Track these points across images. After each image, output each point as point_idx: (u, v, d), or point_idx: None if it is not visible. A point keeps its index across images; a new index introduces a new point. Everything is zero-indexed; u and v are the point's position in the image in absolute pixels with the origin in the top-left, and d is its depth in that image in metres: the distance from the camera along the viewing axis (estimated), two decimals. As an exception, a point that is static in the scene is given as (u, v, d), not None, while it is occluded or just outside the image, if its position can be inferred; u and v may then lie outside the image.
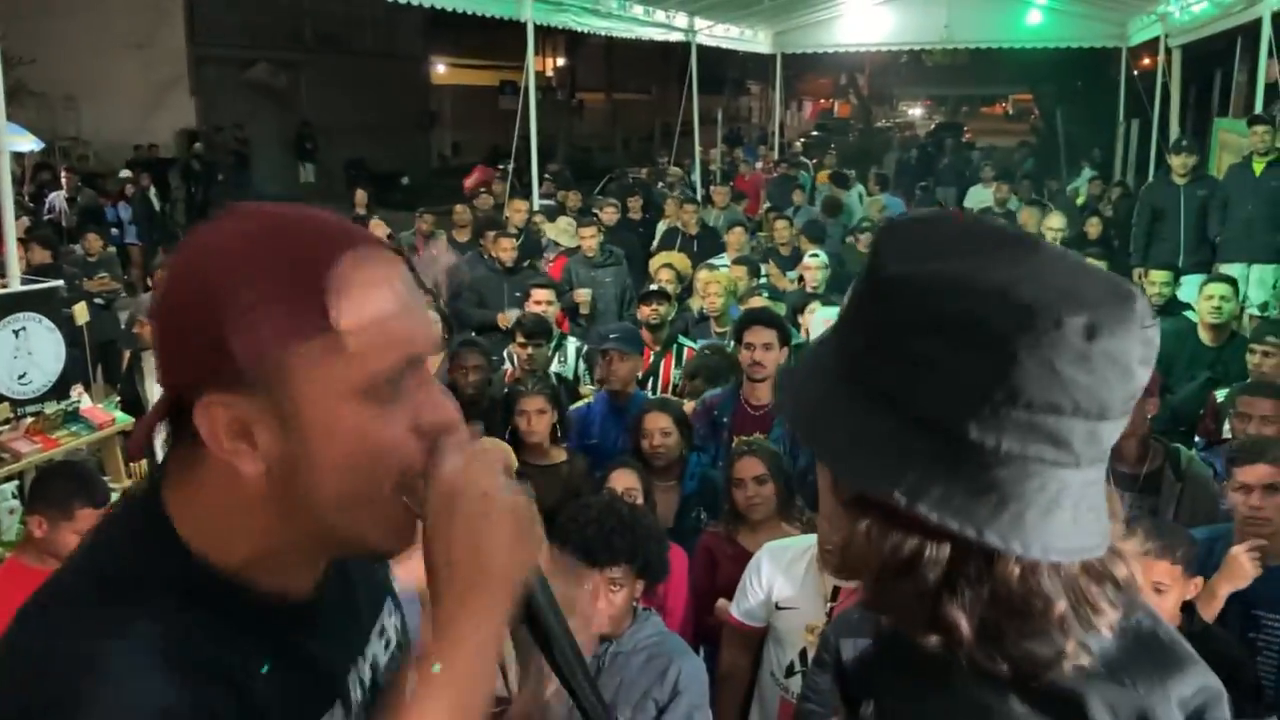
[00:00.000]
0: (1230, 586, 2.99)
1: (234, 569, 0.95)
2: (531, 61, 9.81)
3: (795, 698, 2.98)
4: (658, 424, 4.13)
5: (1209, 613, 2.92)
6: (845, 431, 0.81)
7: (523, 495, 0.98)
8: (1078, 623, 0.80)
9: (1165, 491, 3.66)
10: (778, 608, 3.11)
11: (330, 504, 0.93)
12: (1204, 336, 5.69)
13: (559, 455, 4.34)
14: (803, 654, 3.04)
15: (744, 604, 3.19)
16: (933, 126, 35.36)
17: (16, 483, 4.69)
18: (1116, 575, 0.83)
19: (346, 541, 0.98)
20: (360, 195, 12.25)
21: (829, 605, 2.99)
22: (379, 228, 9.59)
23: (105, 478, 3.98)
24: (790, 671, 3.07)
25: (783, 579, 3.10)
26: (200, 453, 0.92)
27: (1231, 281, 6.01)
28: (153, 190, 16.00)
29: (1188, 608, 2.78)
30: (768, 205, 12.91)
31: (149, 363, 6.21)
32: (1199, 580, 2.80)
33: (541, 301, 6.25)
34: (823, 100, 45.03)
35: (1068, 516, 0.76)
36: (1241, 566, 2.99)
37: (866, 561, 0.83)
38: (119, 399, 6.39)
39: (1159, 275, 6.48)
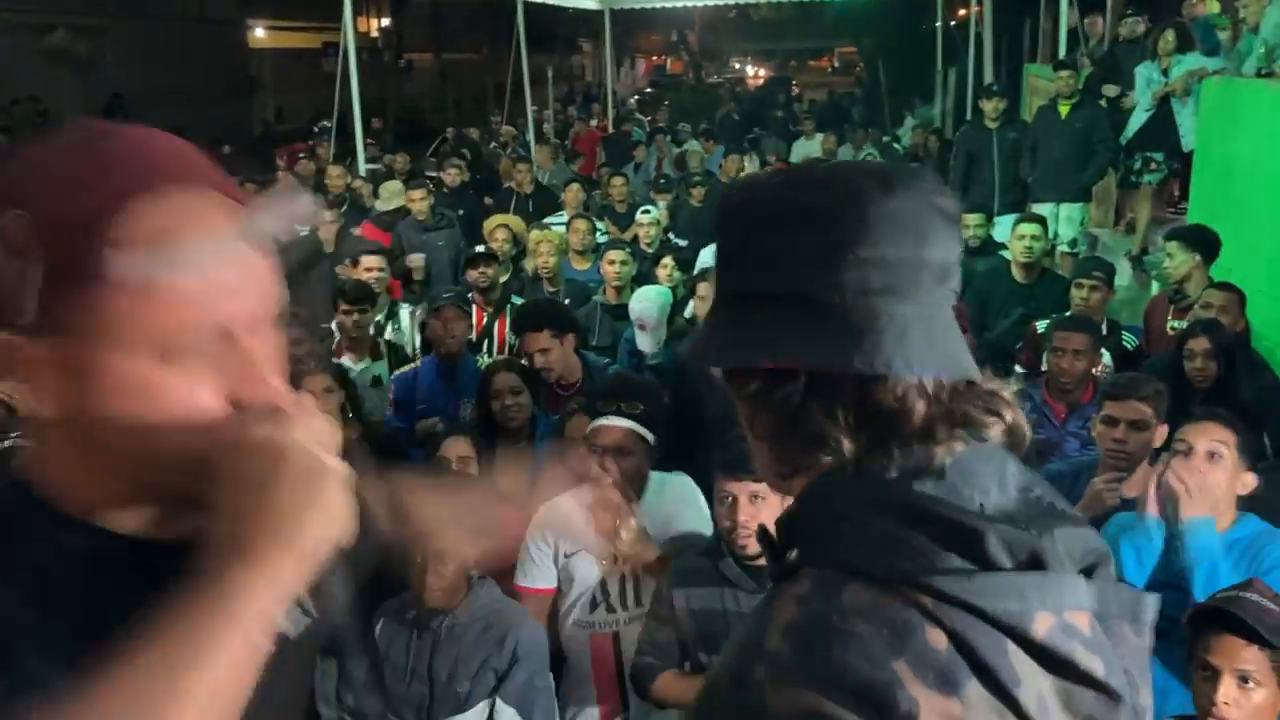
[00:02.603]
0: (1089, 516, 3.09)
1: (81, 510, 0.89)
2: (350, 21, 9.47)
3: (602, 627, 3.07)
4: (508, 383, 4.03)
5: None
6: (731, 333, 0.96)
7: (345, 470, 0.88)
8: (949, 429, 0.92)
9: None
10: (566, 556, 3.11)
11: (134, 461, 0.87)
12: (1017, 274, 5.92)
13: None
14: (603, 584, 3.08)
15: (533, 570, 3.13)
16: (762, 81, 35.81)
17: None
18: (998, 407, 0.95)
19: (167, 488, 0.90)
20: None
21: None
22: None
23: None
24: (594, 605, 3.09)
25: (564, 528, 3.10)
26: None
27: (1041, 221, 6.25)
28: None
29: None
30: (602, 162, 12.87)
31: None
32: None
33: (372, 269, 6.02)
34: (655, 57, 45.07)
35: (921, 341, 0.89)
36: (1100, 498, 3.06)
37: (767, 429, 0.96)
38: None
39: (973, 218, 6.69)
